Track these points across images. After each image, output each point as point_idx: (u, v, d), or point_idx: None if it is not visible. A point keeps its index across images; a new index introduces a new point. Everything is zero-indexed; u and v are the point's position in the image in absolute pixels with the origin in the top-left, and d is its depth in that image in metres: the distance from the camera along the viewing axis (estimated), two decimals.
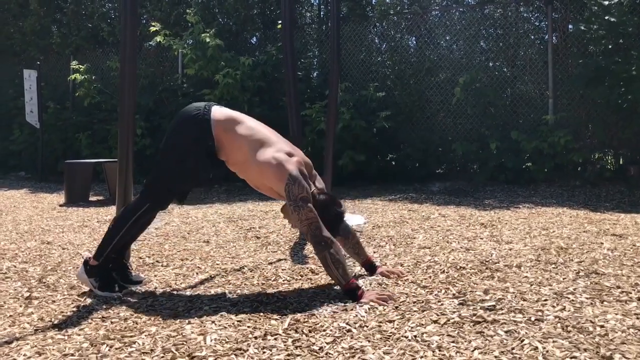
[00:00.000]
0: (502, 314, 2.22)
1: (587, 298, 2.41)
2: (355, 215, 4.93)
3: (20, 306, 2.56)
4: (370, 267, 2.93)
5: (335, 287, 2.70)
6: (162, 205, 2.81)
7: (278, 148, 2.65)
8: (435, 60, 7.50)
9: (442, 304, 2.36)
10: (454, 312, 2.25)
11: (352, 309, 2.33)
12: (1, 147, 10.17)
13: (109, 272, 2.76)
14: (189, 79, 8.36)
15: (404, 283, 2.75)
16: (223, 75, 7.21)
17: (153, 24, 7.84)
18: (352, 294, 2.47)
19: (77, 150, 9.00)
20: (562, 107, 6.67)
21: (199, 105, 2.74)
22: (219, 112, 2.71)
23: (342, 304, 2.41)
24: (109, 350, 2.00)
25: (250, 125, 2.72)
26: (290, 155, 2.66)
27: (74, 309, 2.50)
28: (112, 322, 2.29)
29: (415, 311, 2.29)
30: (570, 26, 6.66)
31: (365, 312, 2.29)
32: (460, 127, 7.16)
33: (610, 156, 6.82)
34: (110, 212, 5.45)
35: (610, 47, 5.89)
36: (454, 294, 2.51)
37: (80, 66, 8.65)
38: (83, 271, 2.74)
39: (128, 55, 3.03)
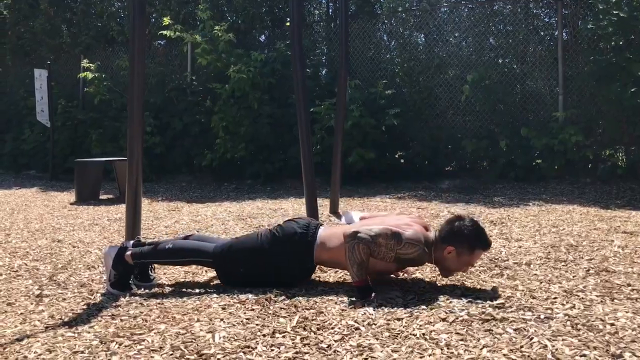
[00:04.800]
0: (511, 312, 2.22)
1: (597, 296, 2.39)
2: (362, 213, 4.91)
3: (31, 304, 2.59)
4: None
5: (344, 287, 2.71)
6: (221, 279, 2.83)
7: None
8: (444, 57, 7.47)
9: (450, 302, 2.35)
10: (463, 310, 2.25)
11: (360, 307, 2.33)
12: (12, 146, 10.23)
13: (130, 275, 2.78)
14: (198, 77, 8.39)
15: (412, 281, 2.75)
16: (235, 71, 7.21)
17: (165, 17, 7.85)
18: (360, 292, 2.47)
19: (88, 148, 9.04)
20: (572, 104, 6.62)
21: (307, 224, 2.72)
22: (325, 233, 2.69)
23: (351, 302, 2.41)
24: (118, 347, 2.01)
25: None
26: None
27: (84, 307, 2.51)
28: (121, 320, 2.31)
29: (423, 309, 2.28)
30: (579, 22, 6.60)
31: (374, 310, 2.29)
32: (470, 125, 7.12)
33: (621, 153, 6.76)
34: (120, 210, 5.48)
35: (621, 43, 5.83)
36: (462, 292, 2.51)
37: (91, 65, 8.70)
38: (112, 257, 2.74)
39: (137, 54, 3.05)
